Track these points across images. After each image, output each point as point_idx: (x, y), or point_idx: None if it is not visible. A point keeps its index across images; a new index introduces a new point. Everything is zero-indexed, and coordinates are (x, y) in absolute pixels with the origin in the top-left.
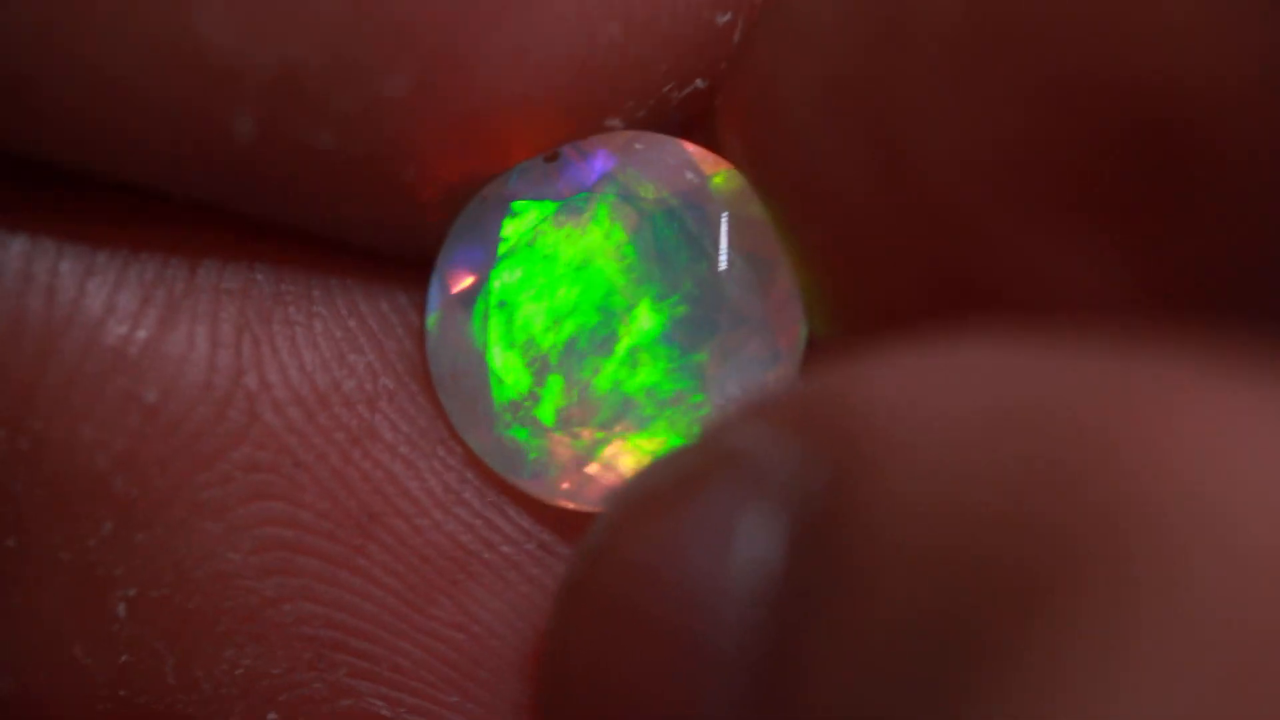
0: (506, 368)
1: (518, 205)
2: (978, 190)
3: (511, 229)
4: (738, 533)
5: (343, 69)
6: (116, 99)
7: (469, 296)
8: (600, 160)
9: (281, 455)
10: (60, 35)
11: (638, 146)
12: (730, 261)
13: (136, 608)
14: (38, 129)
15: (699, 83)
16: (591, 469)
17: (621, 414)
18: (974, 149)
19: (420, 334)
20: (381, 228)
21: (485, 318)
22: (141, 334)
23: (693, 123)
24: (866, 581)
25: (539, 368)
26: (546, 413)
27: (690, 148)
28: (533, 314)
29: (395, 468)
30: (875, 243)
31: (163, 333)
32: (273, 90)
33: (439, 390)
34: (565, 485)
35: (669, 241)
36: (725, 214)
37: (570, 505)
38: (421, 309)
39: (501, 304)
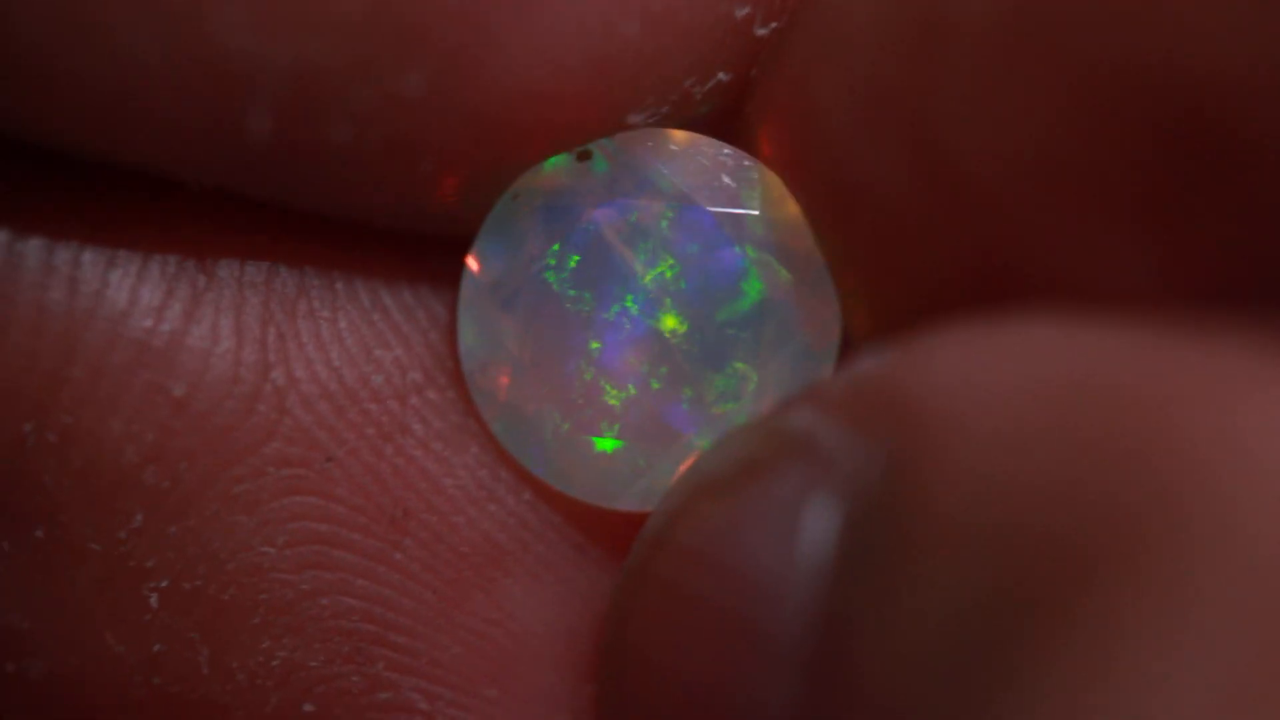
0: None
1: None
2: (1017, 187)
3: None
4: (801, 521)
5: (359, 67)
6: (138, 92)
7: (500, 291)
8: (641, 164)
9: (313, 450)
10: (83, 28)
11: (672, 148)
12: (764, 264)
13: (169, 598)
14: (63, 118)
15: (721, 76)
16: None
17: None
18: (1012, 146)
19: (447, 327)
20: (401, 215)
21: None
22: (166, 327)
23: (718, 118)
24: (923, 563)
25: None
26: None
27: (724, 149)
28: None
29: (428, 463)
30: (915, 241)
31: (187, 326)
32: (289, 88)
33: (470, 386)
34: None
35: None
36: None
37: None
38: (445, 301)
39: None
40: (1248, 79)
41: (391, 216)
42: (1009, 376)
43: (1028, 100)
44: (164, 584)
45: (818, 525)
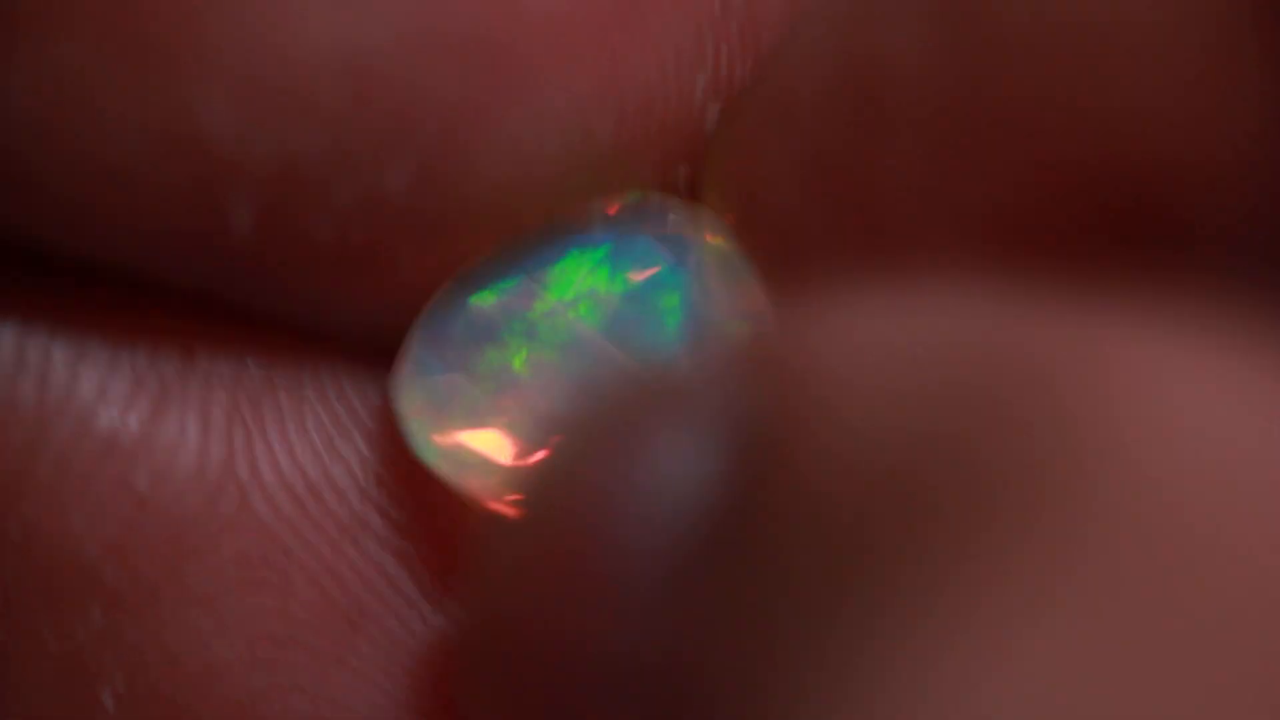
0: None
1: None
2: (958, 263)
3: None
4: (668, 459)
5: (342, 160)
6: (114, 188)
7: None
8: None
9: (272, 547)
10: (60, 125)
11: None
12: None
13: (124, 699)
14: (34, 215)
15: (682, 170)
16: None
17: None
18: (953, 223)
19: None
20: (371, 314)
21: None
22: (134, 421)
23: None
24: (792, 506)
25: None
26: None
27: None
28: None
29: (385, 560)
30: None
31: (155, 420)
32: (272, 180)
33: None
34: None
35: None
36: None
37: None
38: None
39: None
40: (1193, 169)
41: (362, 319)
42: (900, 331)
43: (967, 181)
44: (119, 684)
45: (683, 461)
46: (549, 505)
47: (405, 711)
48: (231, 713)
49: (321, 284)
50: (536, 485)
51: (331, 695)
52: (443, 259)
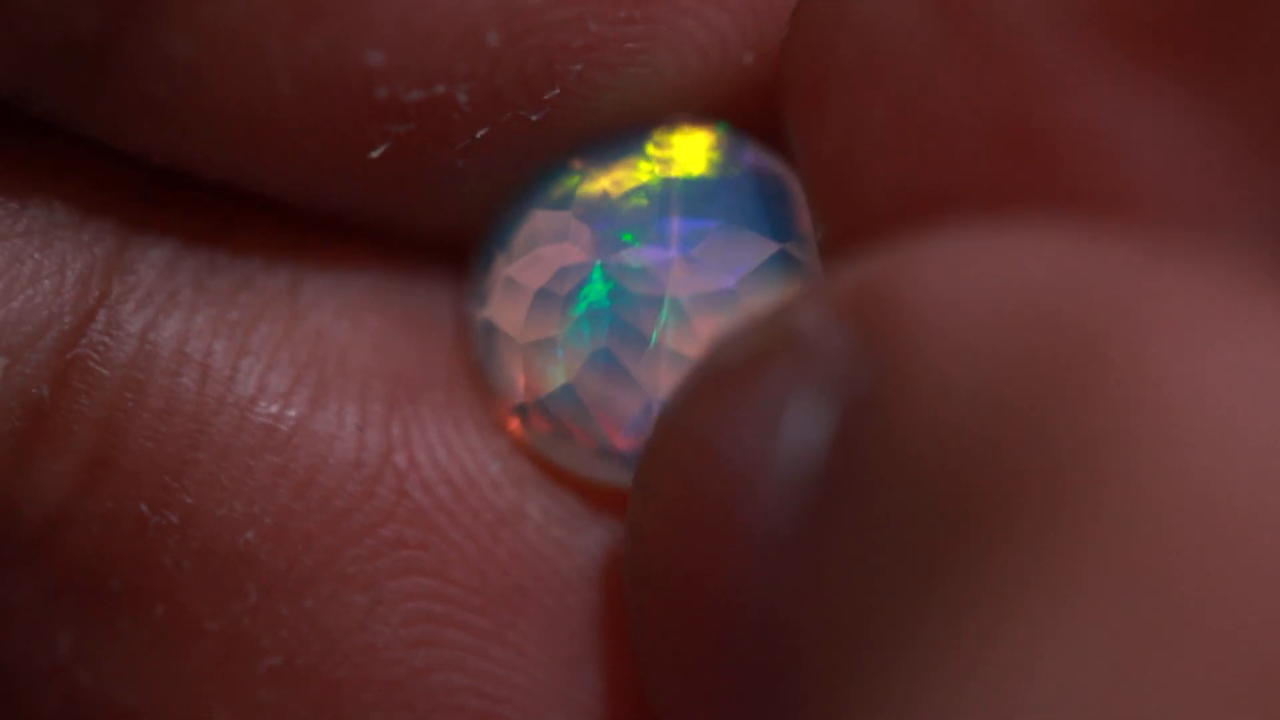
0: None
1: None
2: (1049, 39)
3: None
4: (789, 415)
5: (492, 98)
6: (269, 125)
7: None
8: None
9: (430, 532)
10: (218, 67)
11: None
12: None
13: (282, 676)
14: (192, 151)
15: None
16: None
17: None
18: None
19: None
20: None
21: None
22: (292, 413)
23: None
24: (894, 469)
25: None
26: None
27: None
28: None
29: (545, 548)
30: (942, 110)
31: (313, 411)
32: (422, 119)
33: None
34: None
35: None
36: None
37: None
38: None
39: None
40: None
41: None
42: (992, 289)
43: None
44: (277, 662)
45: (804, 420)
46: (679, 457)
47: (564, 687)
48: (391, 688)
49: (441, 202)
50: (667, 435)
51: (491, 673)
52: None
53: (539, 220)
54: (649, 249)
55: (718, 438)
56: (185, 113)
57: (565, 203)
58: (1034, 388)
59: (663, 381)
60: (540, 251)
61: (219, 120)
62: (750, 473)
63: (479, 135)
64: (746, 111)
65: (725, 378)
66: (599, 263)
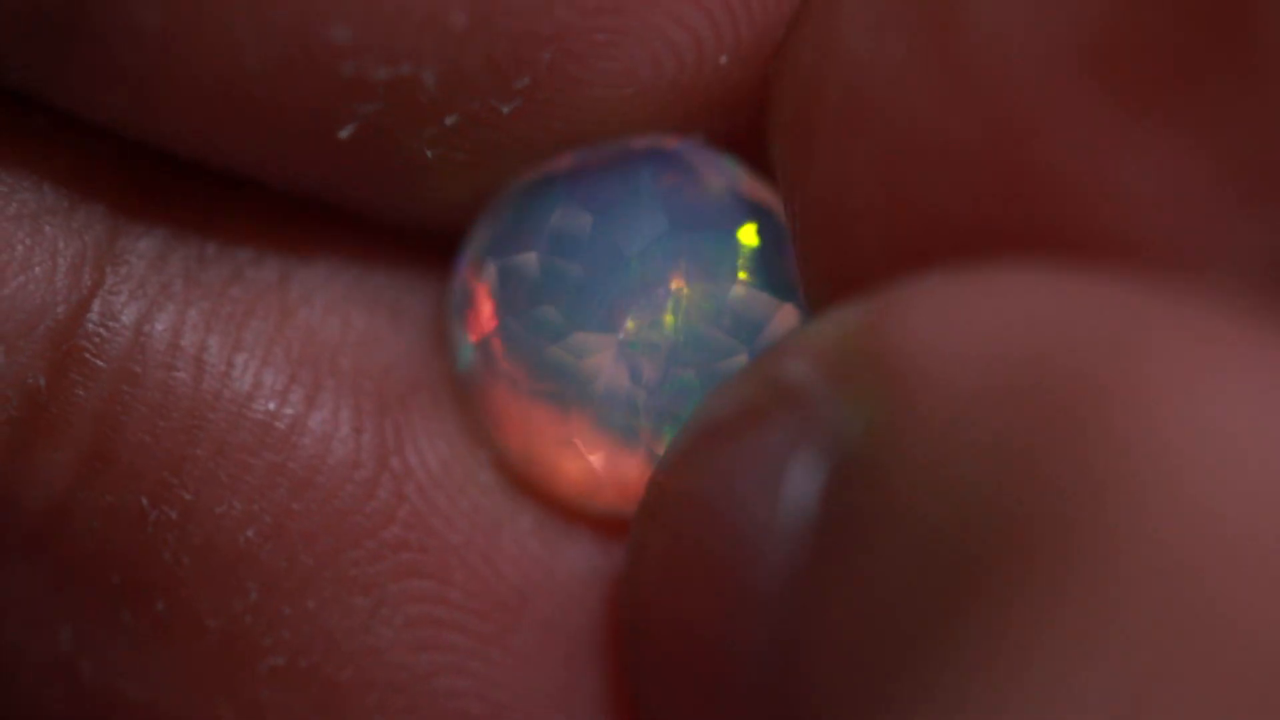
0: None
1: None
2: (1036, 80)
3: None
4: (786, 474)
5: (459, 82)
6: (236, 97)
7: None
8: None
9: (429, 536)
10: (186, 38)
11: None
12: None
13: (284, 676)
14: (160, 124)
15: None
16: None
17: None
18: (1033, 29)
19: None
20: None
21: None
22: (289, 411)
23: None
24: (893, 522)
25: None
26: None
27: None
28: None
29: (542, 553)
30: (930, 151)
31: (308, 410)
32: (388, 99)
33: None
34: None
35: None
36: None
37: None
38: None
39: None
40: None
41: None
42: (983, 333)
43: None
44: (280, 661)
45: (802, 478)
46: (676, 513)
47: (564, 690)
48: (394, 690)
49: (416, 193)
50: (663, 491)
51: (492, 676)
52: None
53: (540, 268)
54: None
55: (715, 494)
56: (155, 83)
57: (570, 251)
58: (1034, 429)
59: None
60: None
61: (188, 92)
62: (750, 528)
63: (448, 123)
64: (723, 119)
65: (719, 434)
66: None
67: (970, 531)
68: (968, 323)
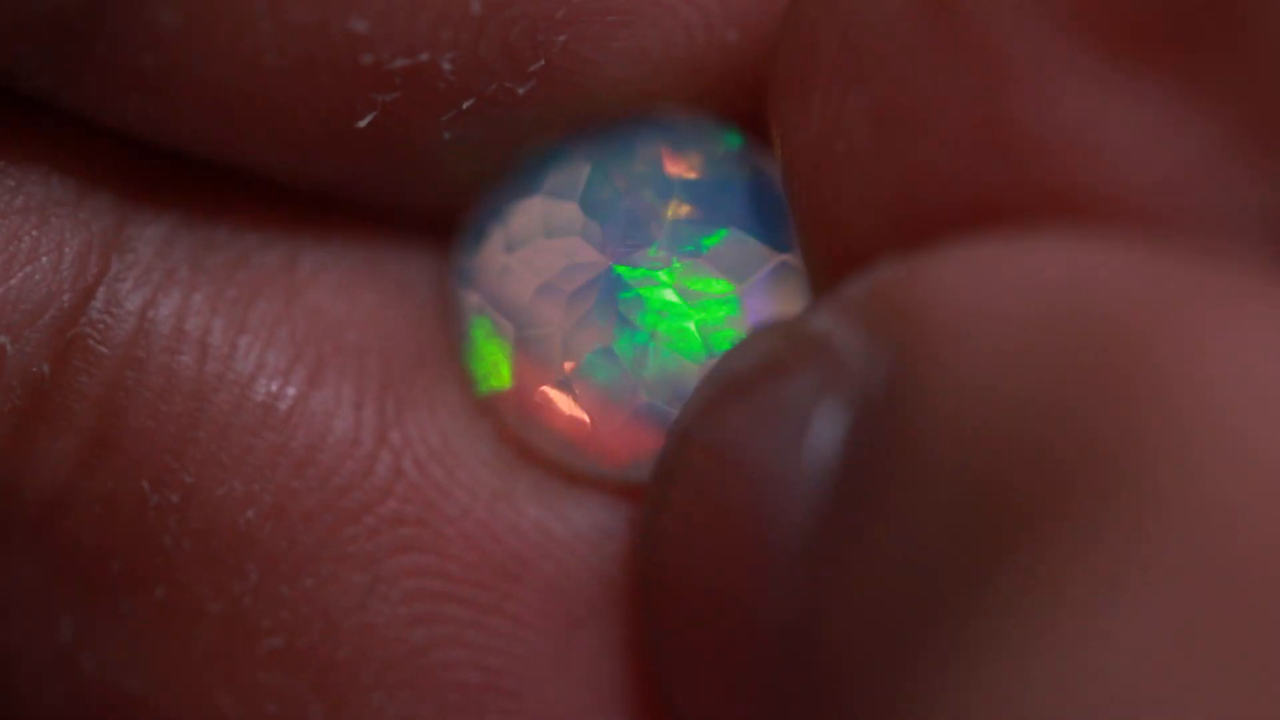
0: None
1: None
2: (1030, 36)
3: None
4: (810, 424)
5: (476, 68)
6: (255, 89)
7: None
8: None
9: (427, 509)
10: (205, 30)
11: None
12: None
13: (283, 658)
14: (180, 119)
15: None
16: None
17: None
18: None
19: None
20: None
21: None
22: (291, 390)
23: None
24: (918, 471)
25: None
26: None
27: None
28: None
29: (542, 517)
30: (922, 105)
31: (311, 389)
32: (403, 89)
33: None
34: None
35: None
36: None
37: None
38: None
39: None
40: None
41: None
42: (1014, 293)
43: None
44: (278, 643)
45: (826, 429)
46: (698, 467)
47: (565, 654)
48: (391, 666)
49: (428, 175)
50: (684, 445)
51: (490, 644)
52: None
53: (541, 208)
54: (656, 251)
55: (740, 448)
56: (173, 85)
57: (569, 193)
58: (1076, 379)
59: (660, 385)
60: (544, 243)
61: (208, 92)
62: (775, 481)
63: (465, 106)
64: (734, 96)
65: (744, 387)
66: (613, 264)
67: (1007, 480)
68: (1000, 279)
